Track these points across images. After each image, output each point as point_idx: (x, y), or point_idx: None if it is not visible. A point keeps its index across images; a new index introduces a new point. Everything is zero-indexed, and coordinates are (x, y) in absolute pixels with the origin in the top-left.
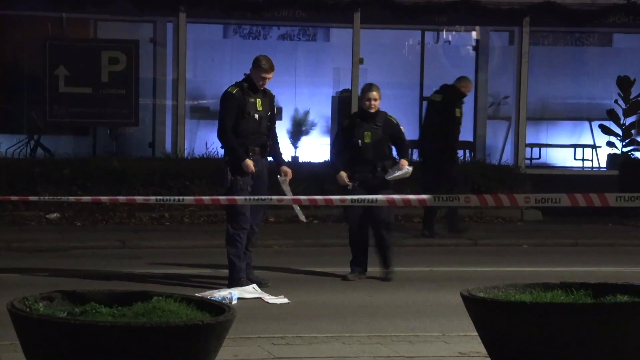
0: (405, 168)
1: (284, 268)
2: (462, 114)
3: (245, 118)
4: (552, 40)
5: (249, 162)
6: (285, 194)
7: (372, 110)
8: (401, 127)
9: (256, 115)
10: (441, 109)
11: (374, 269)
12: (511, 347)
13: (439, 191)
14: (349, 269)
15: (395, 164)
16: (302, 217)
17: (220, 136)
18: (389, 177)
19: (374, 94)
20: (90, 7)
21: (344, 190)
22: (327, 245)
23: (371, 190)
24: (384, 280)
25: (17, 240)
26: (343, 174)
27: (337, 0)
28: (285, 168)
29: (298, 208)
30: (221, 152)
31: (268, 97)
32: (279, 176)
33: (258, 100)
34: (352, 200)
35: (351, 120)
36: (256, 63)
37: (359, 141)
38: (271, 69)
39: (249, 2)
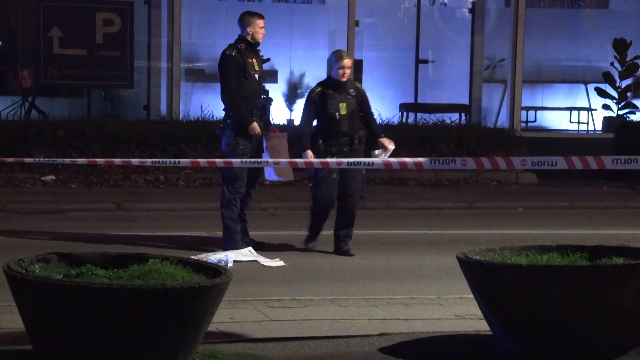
0: (392, 146)
1: (280, 231)
2: None
3: (248, 79)
4: (548, 2)
5: (255, 125)
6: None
7: (345, 80)
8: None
9: (256, 76)
10: None
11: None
12: (507, 310)
13: None
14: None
15: (378, 146)
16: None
17: (226, 98)
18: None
19: (349, 61)
20: None
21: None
22: None
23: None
24: (349, 256)
25: (12, 202)
26: (310, 153)
27: None
28: (274, 128)
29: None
30: (217, 115)
31: (259, 58)
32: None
33: (254, 61)
34: (348, 163)
35: (322, 90)
36: (248, 20)
37: (336, 114)
38: (262, 15)
39: None
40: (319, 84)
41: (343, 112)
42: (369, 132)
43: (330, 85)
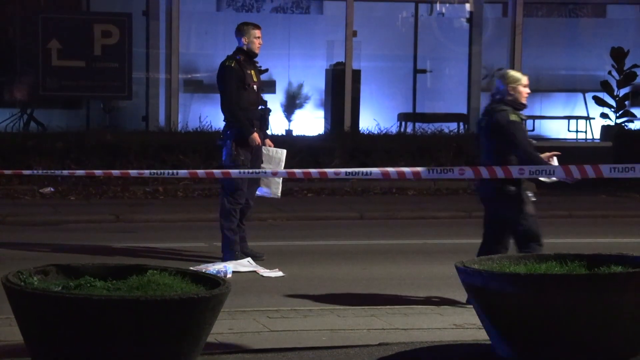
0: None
1: (279, 241)
2: None
3: (247, 90)
4: (545, 11)
5: (256, 136)
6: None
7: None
8: None
9: (255, 87)
10: None
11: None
12: (506, 319)
13: None
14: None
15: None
16: (278, 192)
17: (226, 109)
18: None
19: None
20: None
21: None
22: (321, 219)
23: None
24: None
25: (11, 214)
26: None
27: None
28: (269, 141)
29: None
30: (216, 126)
31: (257, 69)
32: (269, 148)
33: (252, 72)
34: (346, 173)
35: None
36: (242, 30)
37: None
38: (257, 26)
39: None
40: (506, 106)
41: None
42: None
43: (516, 108)
